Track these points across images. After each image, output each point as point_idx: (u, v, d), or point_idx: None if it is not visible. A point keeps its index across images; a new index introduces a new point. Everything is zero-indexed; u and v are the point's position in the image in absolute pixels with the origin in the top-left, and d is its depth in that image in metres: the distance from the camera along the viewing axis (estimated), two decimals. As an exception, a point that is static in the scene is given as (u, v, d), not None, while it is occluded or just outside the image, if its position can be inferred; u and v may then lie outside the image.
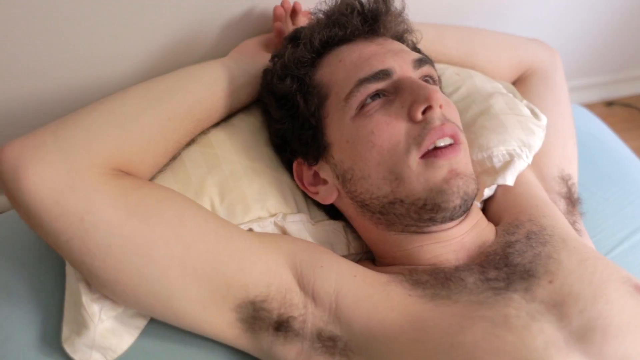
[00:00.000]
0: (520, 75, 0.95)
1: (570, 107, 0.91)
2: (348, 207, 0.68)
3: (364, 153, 0.61)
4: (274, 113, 0.70)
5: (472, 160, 0.74)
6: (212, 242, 0.58)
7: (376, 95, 0.62)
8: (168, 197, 0.59)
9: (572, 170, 0.82)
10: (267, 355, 0.61)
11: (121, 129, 0.59)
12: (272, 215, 0.68)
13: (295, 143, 0.69)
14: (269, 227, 0.68)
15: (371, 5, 0.67)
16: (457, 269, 0.61)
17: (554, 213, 0.69)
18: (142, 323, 0.64)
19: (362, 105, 0.62)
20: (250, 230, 0.66)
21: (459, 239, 0.64)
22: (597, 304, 0.54)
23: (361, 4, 0.67)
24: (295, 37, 0.70)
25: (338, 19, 0.67)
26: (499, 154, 0.75)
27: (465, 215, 0.65)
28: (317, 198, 0.69)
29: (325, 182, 0.68)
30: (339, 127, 0.64)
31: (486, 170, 0.75)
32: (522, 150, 0.75)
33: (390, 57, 0.64)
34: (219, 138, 0.72)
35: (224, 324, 0.59)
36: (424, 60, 0.66)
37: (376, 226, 0.66)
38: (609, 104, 1.70)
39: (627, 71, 1.68)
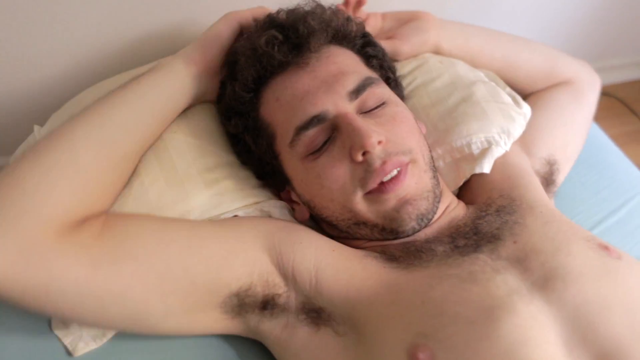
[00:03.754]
0: (553, 84, 0.94)
1: (587, 131, 0.92)
2: (321, 224, 0.72)
3: (317, 191, 0.64)
4: (233, 149, 0.73)
5: (452, 147, 0.76)
6: (186, 259, 0.58)
7: (322, 145, 0.63)
8: (131, 232, 0.57)
9: (563, 166, 0.84)
10: (254, 333, 0.62)
11: (75, 183, 0.55)
12: (257, 203, 0.70)
13: (261, 174, 0.72)
14: (253, 213, 0.69)
15: (291, 33, 0.65)
16: (427, 241, 0.64)
17: (526, 183, 0.72)
18: None
19: (310, 153, 0.63)
20: (236, 217, 0.67)
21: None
22: (558, 255, 0.57)
23: (283, 32, 0.65)
24: (233, 70, 0.69)
25: (263, 54, 0.65)
26: (477, 141, 0.76)
27: None
28: (295, 215, 0.72)
29: (297, 203, 0.71)
30: (293, 167, 0.66)
31: (465, 156, 0.77)
32: (500, 137, 0.77)
33: (322, 95, 0.63)
34: (204, 129, 0.73)
35: (210, 321, 0.61)
36: (362, 88, 0.64)
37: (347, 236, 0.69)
38: (588, 92, 1.73)
39: (605, 60, 1.71)
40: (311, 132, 0.63)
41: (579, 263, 0.57)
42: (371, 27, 0.83)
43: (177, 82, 0.67)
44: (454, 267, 0.58)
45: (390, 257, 0.63)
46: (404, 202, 0.62)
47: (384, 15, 0.87)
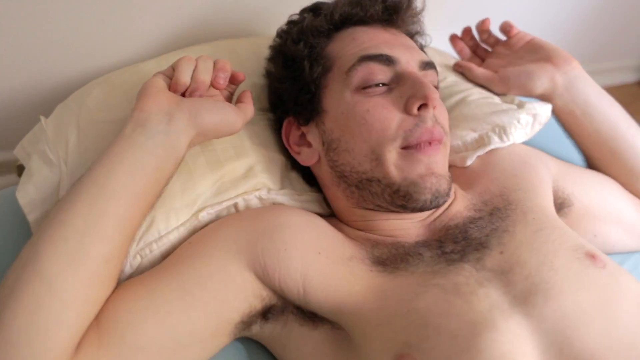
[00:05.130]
0: None
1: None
2: (325, 175, 0.71)
3: (355, 128, 0.64)
4: (278, 72, 0.74)
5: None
6: (186, 323, 0.57)
7: (379, 85, 0.66)
8: (125, 322, 0.55)
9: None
10: (254, 336, 0.64)
11: (65, 315, 0.50)
12: (257, 190, 0.70)
13: (290, 103, 0.71)
14: (253, 200, 0.70)
15: None
16: (417, 244, 0.64)
17: (530, 188, 0.71)
18: None
19: (365, 87, 0.65)
20: (236, 205, 0.68)
21: (423, 218, 0.68)
22: (541, 270, 0.58)
23: None
24: (316, 8, 0.73)
25: (362, 1, 0.70)
26: (472, 140, 0.79)
27: None
28: (298, 158, 0.72)
29: (309, 145, 0.71)
30: (337, 98, 0.67)
31: (460, 156, 0.79)
32: (495, 132, 0.78)
33: (399, 49, 0.68)
34: None
35: (220, 346, 0.62)
36: (430, 65, 0.70)
37: (347, 199, 0.69)
38: (581, 95, 1.75)
39: (598, 64, 1.74)
40: (373, 66, 0.65)
41: (561, 277, 0.57)
42: (509, 46, 0.87)
43: (137, 148, 0.58)
44: (439, 277, 0.59)
45: (378, 258, 0.63)
46: (431, 173, 0.63)
47: (530, 41, 0.86)
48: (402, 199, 0.63)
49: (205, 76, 0.63)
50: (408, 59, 0.67)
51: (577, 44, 1.59)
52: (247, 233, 0.62)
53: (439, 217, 0.68)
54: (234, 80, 0.69)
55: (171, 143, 0.59)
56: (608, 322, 0.55)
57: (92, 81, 0.75)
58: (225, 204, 0.68)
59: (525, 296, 0.56)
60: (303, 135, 0.72)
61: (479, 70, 0.86)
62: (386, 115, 0.63)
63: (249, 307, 0.60)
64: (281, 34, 0.75)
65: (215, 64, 0.65)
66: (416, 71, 0.67)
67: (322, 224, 0.67)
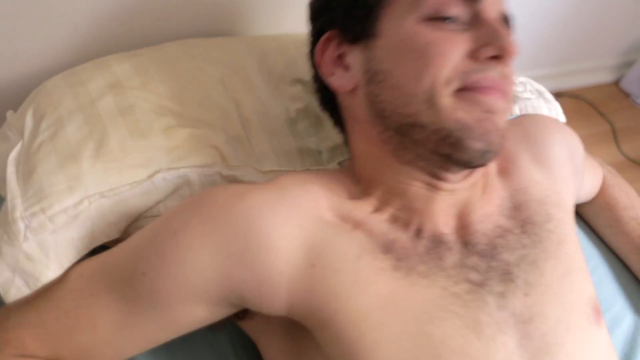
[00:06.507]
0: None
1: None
2: (358, 109, 0.59)
3: (410, 61, 0.53)
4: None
5: None
6: (115, 344, 0.55)
7: (452, 20, 0.54)
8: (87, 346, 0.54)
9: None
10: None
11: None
12: (214, 163, 0.67)
13: (340, 11, 0.59)
14: (214, 176, 0.67)
15: None
16: (440, 237, 0.56)
17: (569, 202, 0.66)
18: (73, 256, 0.61)
19: (435, 18, 0.53)
20: (190, 179, 0.66)
21: (453, 193, 0.58)
22: (559, 329, 0.54)
23: None
24: None
25: None
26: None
27: (471, 172, 0.59)
28: (329, 80, 0.60)
29: (347, 68, 0.59)
30: (398, 23, 0.55)
31: None
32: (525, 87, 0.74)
33: None
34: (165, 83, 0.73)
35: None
36: (510, 25, 0.59)
37: (383, 143, 0.58)
38: (558, 95, 1.77)
39: (575, 64, 1.76)
40: None
41: (571, 339, 0.54)
42: None
43: None
44: (460, 304, 0.52)
45: (393, 244, 0.54)
46: (489, 117, 0.52)
47: None
48: (450, 146, 0.52)
49: None
50: (493, 3, 0.55)
51: (554, 43, 1.61)
52: (217, 263, 0.51)
53: (468, 191, 0.59)
54: None
55: None
56: None
57: (59, 74, 0.75)
58: (182, 171, 0.65)
59: (536, 354, 0.52)
60: (342, 56, 0.59)
61: None
62: (448, 51, 0.52)
63: (199, 325, 0.56)
64: None
65: None
66: (498, 20, 0.56)
67: (315, 205, 0.55)
